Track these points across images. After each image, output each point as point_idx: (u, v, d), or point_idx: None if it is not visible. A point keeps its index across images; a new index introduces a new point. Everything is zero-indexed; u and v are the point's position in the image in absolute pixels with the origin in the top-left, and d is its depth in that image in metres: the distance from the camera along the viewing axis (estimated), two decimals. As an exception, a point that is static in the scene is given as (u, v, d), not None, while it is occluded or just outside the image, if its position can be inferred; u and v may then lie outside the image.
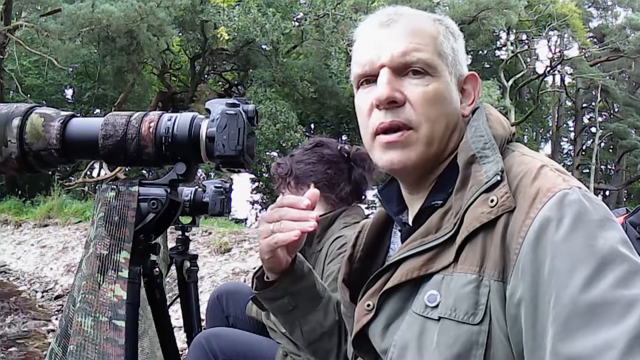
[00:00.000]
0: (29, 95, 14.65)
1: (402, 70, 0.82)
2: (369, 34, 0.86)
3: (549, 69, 18.82)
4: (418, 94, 0.80)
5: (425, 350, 0.72)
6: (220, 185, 1.92)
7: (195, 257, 2.22)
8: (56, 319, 4.67)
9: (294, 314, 1.07)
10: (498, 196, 0.72)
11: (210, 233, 6.42)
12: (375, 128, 0.82)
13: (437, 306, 0.72)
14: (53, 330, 4.23)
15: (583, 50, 19.25)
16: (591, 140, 21.18)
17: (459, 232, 0.74)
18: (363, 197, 1.79)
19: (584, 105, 21.90)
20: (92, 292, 0.81)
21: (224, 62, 15.44)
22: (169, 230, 1.17)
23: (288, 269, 1.02)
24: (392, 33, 0.83)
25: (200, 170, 9.03)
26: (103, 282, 0.82)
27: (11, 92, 14.09)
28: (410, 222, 0.88)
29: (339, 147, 1.75)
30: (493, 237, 0.70)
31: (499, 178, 0.73)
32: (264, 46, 13.31)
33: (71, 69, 15.86)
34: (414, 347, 0.74)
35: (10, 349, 3.73)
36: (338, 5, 12.34)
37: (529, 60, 20.66)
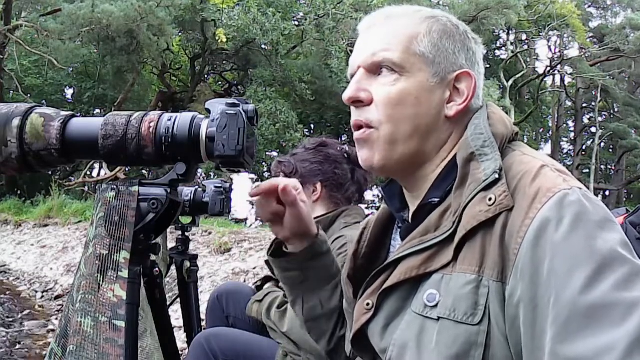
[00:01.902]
0: (29, 95, 14.66)
1: (375, 70, 0.84)
2: (359, 35, 0.89)
3: (549, 69, 18.84)
4: (382, 94, 0.82)
5: (424, 349, 0.72)
6: (220, 185, 1.92)
7: (195, 257, 2.22)
8: (56, 319, 4.67)
9: (301, 287, 1.11)
10: (496, 195, 0.71)
11: (210, 233, 6.42)
12: (352, 125, 0.87)
13: (436, 306, 0.72)
14: (53, 330, 4.23)
15: (583, 50, 19.25)
16: (591, 140, 21.18)
17: (457, 231, 0.73)
18: (363, 197, 1.80)
19: (584, 105, 21.90)
20: (92, 292, 0.81)
21: (224, 62, 15.45)
22: (169, 230, 1.17)
23: (308, 246, 1.06)
24: (371, 36, 0.86)
25: (200, 170, 9.03)
26: (103, 282, 0.82)
27: (11, 92, 14.09)
28: (410, 220, 0.88)
29: (339, 148, 1.75)
30: (492, 237, 0.70)
31: (496, 176, 0.73)
32: (264, 46, 13.31)
33: (71, 69, 15.88)
34: (413, 347, 0.73)
35: (10, 349, 3.73)
36: (338, 5, 12.34)
37: (529, 60, 20.66)
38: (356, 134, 0.85)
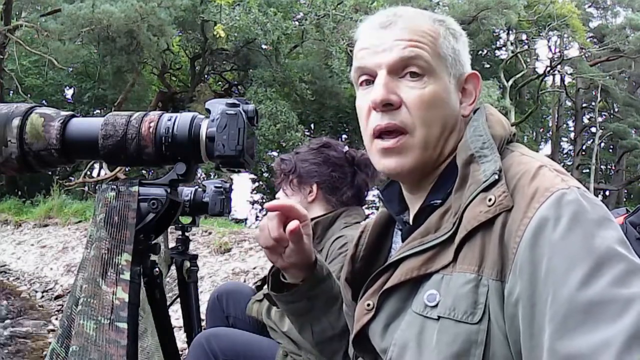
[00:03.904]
0: (29, 95, 14.65)
1: (399, 70, 0.81)
2: (369, 35, 0.85)
3: (549, 69, 18.83)
4: (414, 97, 0.80)
5: (424, 349, 0.72)
6: (220, 185, 1.92)
7: (195, 257, 2.22)
8: (56, 319, 4.67)
9: (308, 315, 1.09)
10: (496, 195, 0.72)
11: (210, 233, 6.42)
12: (372, 130, 0.83)
13: (436, 305, 0.72)
14: (53, 330, 4.23)
15: (583, 50, 19.25)
16: (591, 140, 21.18)
17: (457, 232, 0.74)
18: (363, 201, 1.79)
19: (584, 105, 21.89)
20: (94, 296, 0.81)
21: (224, 62, 15.45)
22: (169, 230, 1.17)
23: (310, 275, 1.04)
24: (392, 34, 0.82)
25: (200, 170, 9.03)
26: (105, 285, 0.82)
27: (11, 92, 14.09)
28: (410, 222, 0.88)
29: (344, 151, 1.75)
30: (491, 236, 0.71)
31: (496, 177, 0.73)
32: (264, 46, 13.31)
33: (71, 69, 15.86)
34: (413, 346, 0.74)
35: (10, 349, 3.73)
36: (339, 6, 12.34)
37: (529, 60, 20.64)
38: (388, 143, 0.81)
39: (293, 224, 0.93)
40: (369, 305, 0.82)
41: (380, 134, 0.82)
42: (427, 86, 0.80)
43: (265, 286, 1.79)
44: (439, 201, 0.81)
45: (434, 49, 0.82)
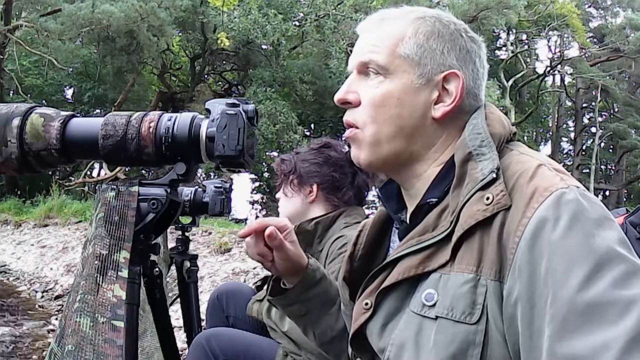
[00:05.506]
0: (29, 95, 14.66)
1: (365, 71, 0.86)
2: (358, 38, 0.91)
3: (549, 69, 18.83)
4: (366, 96, 0.84)
5: (422, 349, 0.72)
6: (220, 185, 1.92)
7: (195, 257, 2.22)
8: (56, 319, 4.67)
9: (306, 318, 1.12)
10: (494, 194, 0.71)
11: (210, 233, 6.43)
12: None
13: (434, 305, 0.72)
14: (53, 330, 4.23)
15: (583, 50, 19.26)
16: (591, 140, 21.19)
17: (455, 230, 0.73)
18: (364, 201, 1.79)
19: (584, 105, 21.88)
20: (91, 293, 0.81)
21: (224, 62, 15.45)
22: (169, 230, 1.17)
23: (300, 279, 1.07)
24: (364, 39, 0.87)
25: (200, 170, 9.03)
26: (103, 282, 0.82)
27: (11, 92, 14.10)
28: (407, 220, 0.88)
29: (345, 151, 1.75)
30: (490, 236, 0.70)
31: (494, 176, 0.73)
32: (264, 46, 13.30)
33: (71, 69, 15.86)
34: (411, 346, 0.74)
35: (10, 349, 3.73)
36: (338, 6, 12.33)
37: (529, 60, 20.64)
38: (345, 134, 0.88)
39: (268, 230, 0.98)
40: (366, 304, 0.82)
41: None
42: (380, 86, 0.83)
43: (266, 286, 1.80)
44: (435, 199, 0.81)
45: (394, 49, 0.83)
